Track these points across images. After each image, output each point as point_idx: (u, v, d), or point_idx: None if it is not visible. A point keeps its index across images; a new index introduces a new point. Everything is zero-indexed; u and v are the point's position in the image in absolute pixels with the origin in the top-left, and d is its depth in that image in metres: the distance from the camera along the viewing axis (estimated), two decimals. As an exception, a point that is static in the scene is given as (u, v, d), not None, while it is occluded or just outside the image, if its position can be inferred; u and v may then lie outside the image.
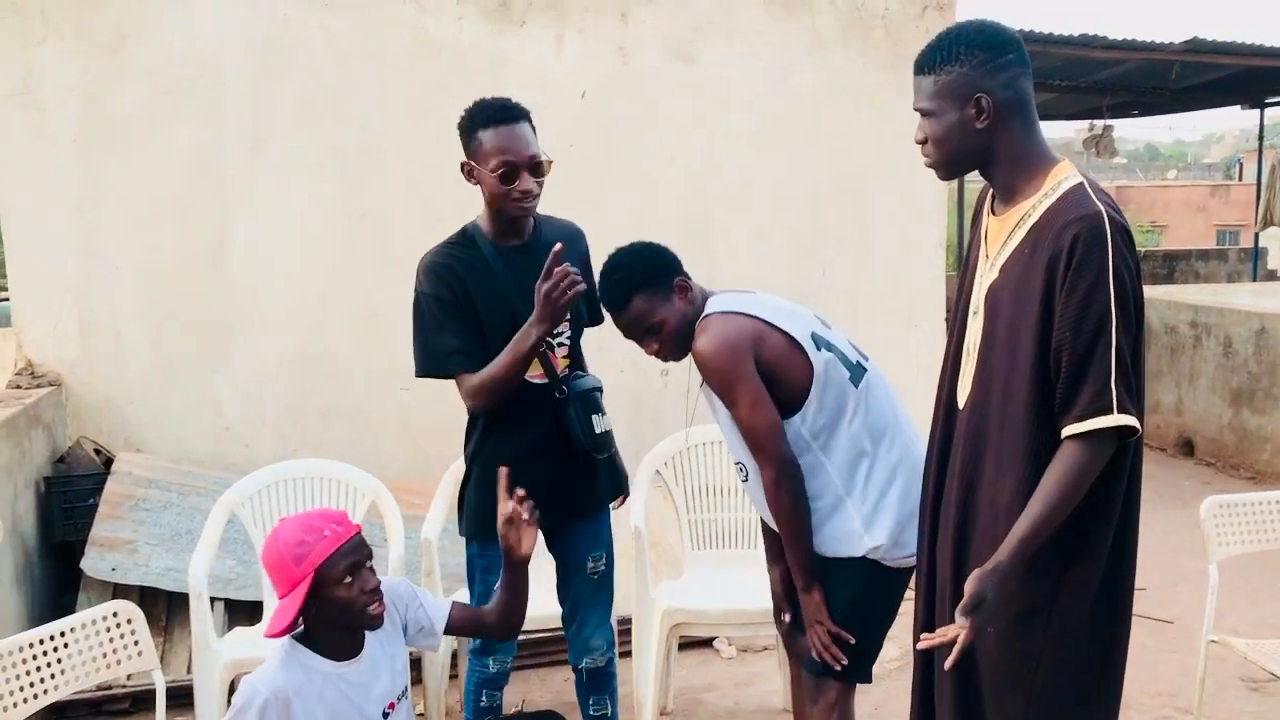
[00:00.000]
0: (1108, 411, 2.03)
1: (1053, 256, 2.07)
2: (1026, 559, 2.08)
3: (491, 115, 2.85)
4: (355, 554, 2.30)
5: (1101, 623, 2.22)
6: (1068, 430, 2.07)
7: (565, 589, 3.17)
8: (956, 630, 2.04)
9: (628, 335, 2.87)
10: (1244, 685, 4.07)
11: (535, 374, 2.96)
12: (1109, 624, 2.24)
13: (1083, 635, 2.20)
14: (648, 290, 2.79)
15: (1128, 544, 2.23)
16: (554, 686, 4.16)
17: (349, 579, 2.28)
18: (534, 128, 2.91)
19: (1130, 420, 2.04)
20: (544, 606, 3.20)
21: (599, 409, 3.03)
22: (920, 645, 2.16)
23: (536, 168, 2.87)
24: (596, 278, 2.93)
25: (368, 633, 2.42)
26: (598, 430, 3.01)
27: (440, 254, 2.95)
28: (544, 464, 2.93)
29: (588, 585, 3.14)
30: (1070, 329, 2.05)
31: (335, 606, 2.28)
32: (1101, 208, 2.07)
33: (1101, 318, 2.02)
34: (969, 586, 2.06)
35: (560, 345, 3.01)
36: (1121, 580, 2.24)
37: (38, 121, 4.74)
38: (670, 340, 2.81)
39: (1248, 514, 3.46)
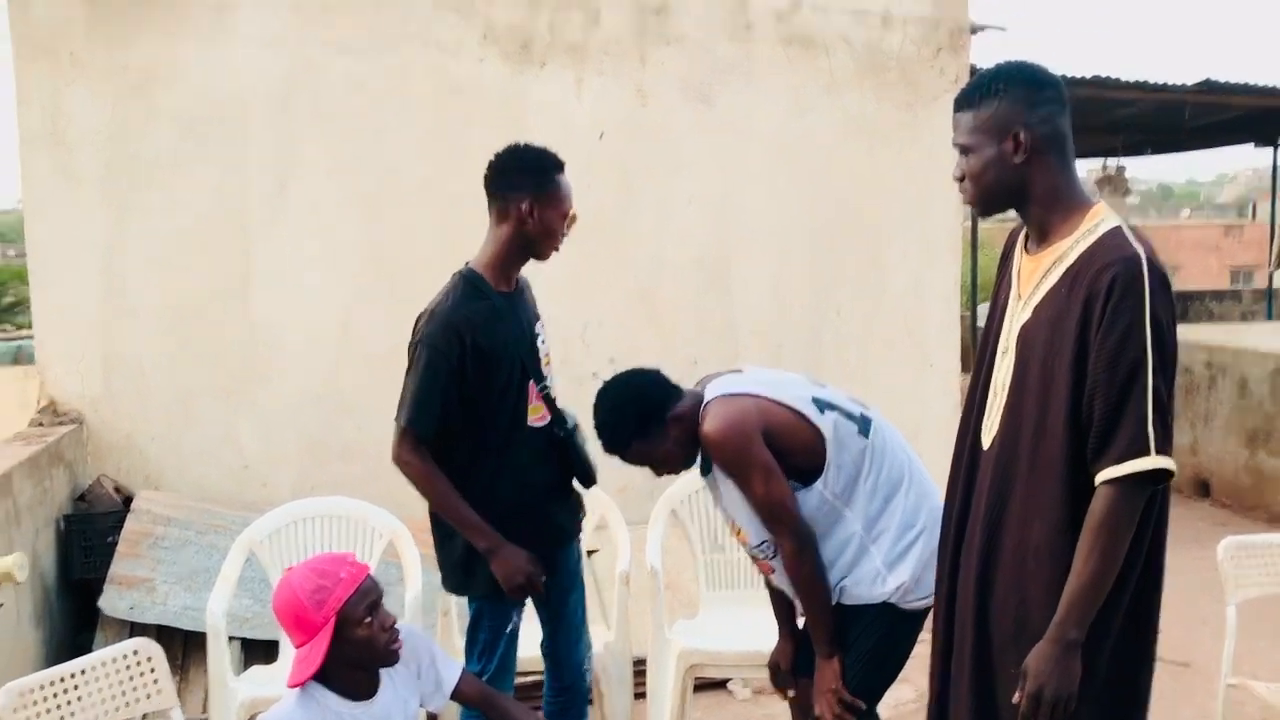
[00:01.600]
0: (1145, 453, 2.02)
1: (1089, 298, 2.07)
2: (1085, 620, 2.08)
3: (560, 163, 2.99)
4: (372, 592, 2.33)
5: (1126, 666, 2.21)
6: (1104, 475, 2.06)
7: (550, 612, 3.17)
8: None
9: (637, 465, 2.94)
10: (1264, 730, 4.03)
11: (537, 418, 2.99)
12: (1134, 667, 2.23)
13: (1108, 678, 2.18)
14: (643, 435, 2.84)
15: (1154, 586, 2.22)
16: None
17: (369, 619, 2.30)
18: None
19: (1168, 463, 2.04)
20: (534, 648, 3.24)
21: (585, 438, 3.11)
22: None
23: (573, 219, 3.02)
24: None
25: (383, 673, 2.44)
26: (594, 460, 3.10)
27: (460, 310, 2.87)
28: (552, 503, 3.05)
29: (573, 603, 3.19)
30: (1106, 371, 2.05)
31: (357, 647, 2.30)
32: (1140, 251, 2.07)
33: (1137, 361, 2.02)
34: (1030, 671, 2.10)
35: (550, 387, 3.06)
36: (1146, 622, 2.23)
37: (65, 161, 4.81)
38: (676, 465, 2.91)
39: (1267, 556, 3.43)
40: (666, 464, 2.90)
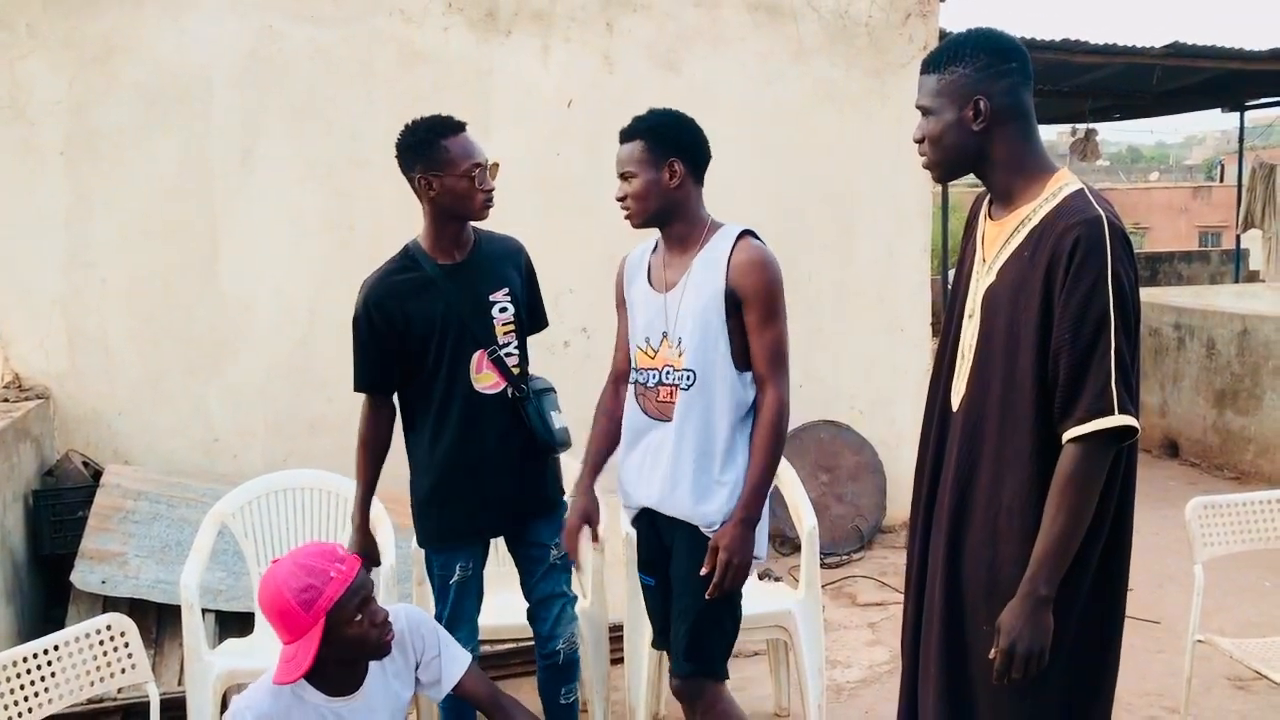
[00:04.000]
0: (1109, 412, 2.05)
1: (1053, 259, 2.10)
2: (1057, 577, 2.11)
3: (449, 126, 3.00)
4: (363, 590, 2.28)
5: (1096, 623, 2.24)
6: (1070, 434, 2.09)
7: (531, 583, 3.23)
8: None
9: (618, 172, 2.80)
10: (1230, 684, 4.10)
11: (488, 385, 3.07)
12: (1104, 624, 2.26)
13: (1079, 636, 2.21)
14: (651, 140, 2.76)
15: (1122, 544, 2.25)
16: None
17: (359, 616, 2.26)
18: None
19: (1131, 420, 2.06)
20: (519, 615, 3.30)
21: (555, 407, 3.16)
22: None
23: (494, 169, 3.05)
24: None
25: (371, 667, 2.40)
26: (555, 426, 3.13)
27: (380, 281, 3.07)
28: (503, 468, 3.09)
29: (552, 574, 3.21)
30: (1070, 331, 2.07)
31: (347, 645, 2.26)
32: (1102, 212, 2.10)
33: (1101, 320, 2.05)
34: (1002, 627, 2.13)
35: (509, 355, 3.11)
36: (1116, 580, 2.26)
37: (25, 135, 4.75)
38: (638, 198, 2.77)
39: (1232, 515, 3.48)
40: (633, 185, 2.76)
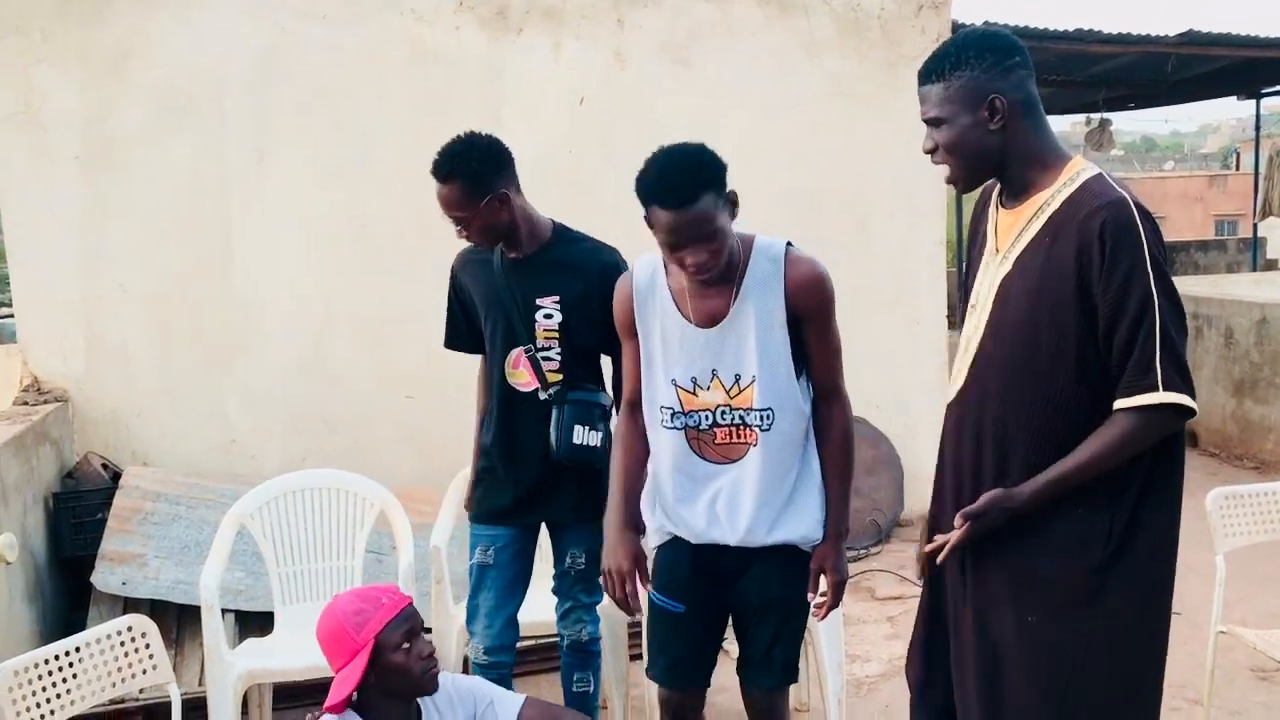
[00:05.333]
0: (1154, 389, 2.07)
1: (1082, 243, 2.09)
2: (1044, 503, 2.16)
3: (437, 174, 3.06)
4: (411, 620, 2.35)
5: (1148, 613, 2.27)
6: (1117, 404, 2.12)
7: (554, 583, 3.31)
8: (953, 534, 2.21)
9: (682, 240, 2.44)
10: (1253, 675, 4.08)
11: (521, 382, 3.11)
12: (1155, 615, 2.29)
13: (1131, 625, 2.24)
14: (717, 190, 2.46)
15: (1175, 535, 2.28)
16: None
17: (406, 644, 2.32)
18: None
19: (1179, 398, 2.08)
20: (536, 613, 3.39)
21: (589, 422, 3.07)
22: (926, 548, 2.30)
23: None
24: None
25: (429, 715, 2.44)
26: (576, 440, 3.05)
27: (463, 251, 3.24)
28: (527, 465, 3.13)
29: (565, 582, 3.27)
30: (1114, 312, 2.08)
31: (393, 673, 2.31)
32: (1125, 194, 2.10)
33: (1144, 300, 2.06)
34: (983, 499, 2.17)
35: (548, 359, 3.10)
36: (1169, 572, 2.30)
37: (40, 140, 4.77)
38: (722, 252, 2.47)
39: (1254, 505, 3.46)
40: (718, 241, 2.44)
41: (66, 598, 4.45)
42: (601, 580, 2.73)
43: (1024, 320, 2.18)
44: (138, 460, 4.91)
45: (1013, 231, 2.25)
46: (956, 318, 2.45)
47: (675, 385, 2.60)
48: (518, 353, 3.09)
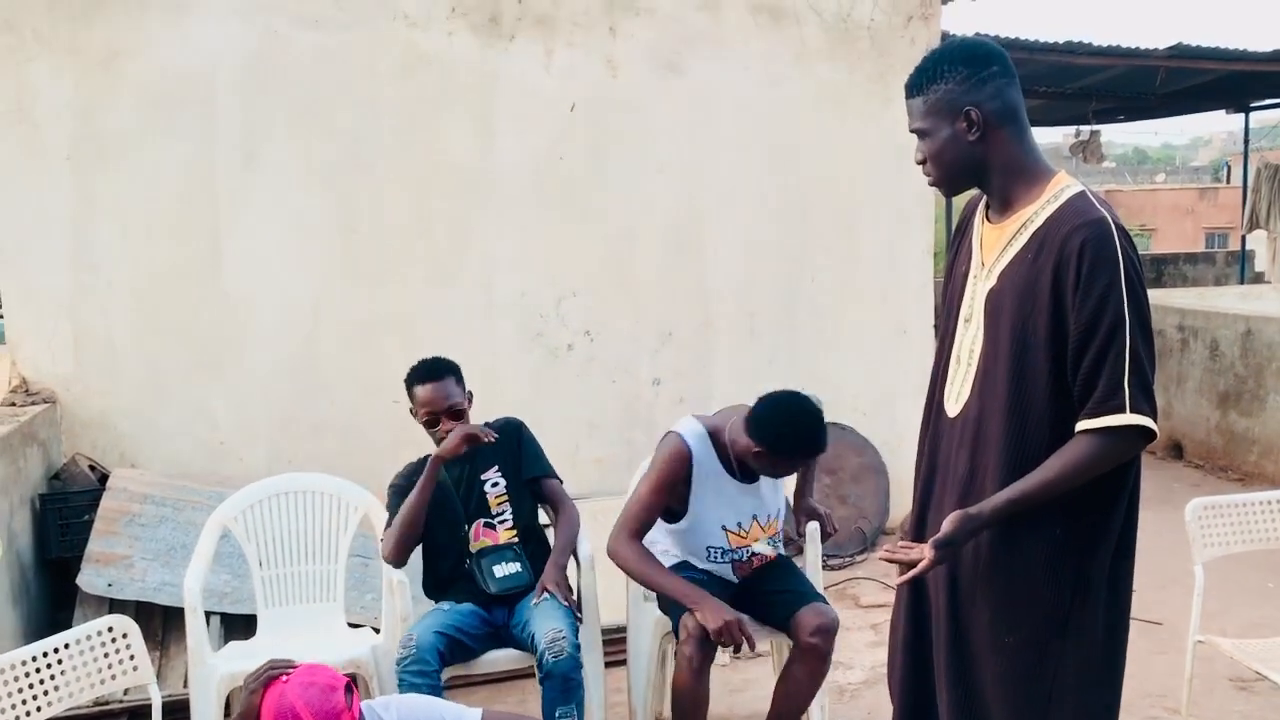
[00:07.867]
0: (1121, 410, 2.09)
1: (1060, 261, 2.12)
2: (1005, 519, 2.17)
3: (417, 376, 3.56)
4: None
5: (1109, 624, 2.27)
6: (1081, 425, 2.13)
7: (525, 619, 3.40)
8: (919, 555, 2.20)
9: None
10: (1232, 685, 4.11)
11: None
12: (1113, 626, 2.29)
13: (1097, 639, 2.24)
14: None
15: (1130, 545, 2.28)
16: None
17: None
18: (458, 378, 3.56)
19: (1144, 420, 2.10)
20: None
21: (504, 559, 3.49)
22: (898, 574, 2.28)
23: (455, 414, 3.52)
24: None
25: None
26: (497, 575, 3.45)
27: (400, 476, 3.60)
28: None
29: (539, 608, 3.37)
30: (1085, 334, 2.10)
31: None
32: (1106, 214, 2.12)
33: (1116, 322, 2.08)
34: (948, 525, 2.16)
35: (502, 522, 3.54)
36: (1124, 581, 2.29)
37: (30, 138, 4.76)
38: None
39: (1232, 515, 3.48)
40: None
41: (52, 599, 4.45)
42: (715, 637, 3.06)
43: (1013, 336, 2.21)
44: (125, 461, 4.90)
45: (997, 246, 2.27)
46: (940, 330, 2.48)
47: (724, 529, 3.35)
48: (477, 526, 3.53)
